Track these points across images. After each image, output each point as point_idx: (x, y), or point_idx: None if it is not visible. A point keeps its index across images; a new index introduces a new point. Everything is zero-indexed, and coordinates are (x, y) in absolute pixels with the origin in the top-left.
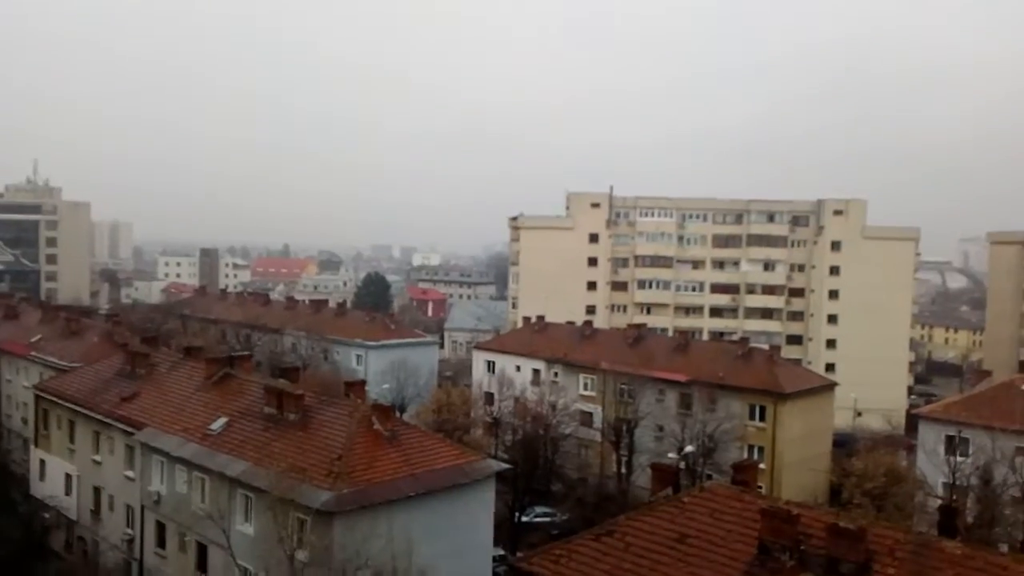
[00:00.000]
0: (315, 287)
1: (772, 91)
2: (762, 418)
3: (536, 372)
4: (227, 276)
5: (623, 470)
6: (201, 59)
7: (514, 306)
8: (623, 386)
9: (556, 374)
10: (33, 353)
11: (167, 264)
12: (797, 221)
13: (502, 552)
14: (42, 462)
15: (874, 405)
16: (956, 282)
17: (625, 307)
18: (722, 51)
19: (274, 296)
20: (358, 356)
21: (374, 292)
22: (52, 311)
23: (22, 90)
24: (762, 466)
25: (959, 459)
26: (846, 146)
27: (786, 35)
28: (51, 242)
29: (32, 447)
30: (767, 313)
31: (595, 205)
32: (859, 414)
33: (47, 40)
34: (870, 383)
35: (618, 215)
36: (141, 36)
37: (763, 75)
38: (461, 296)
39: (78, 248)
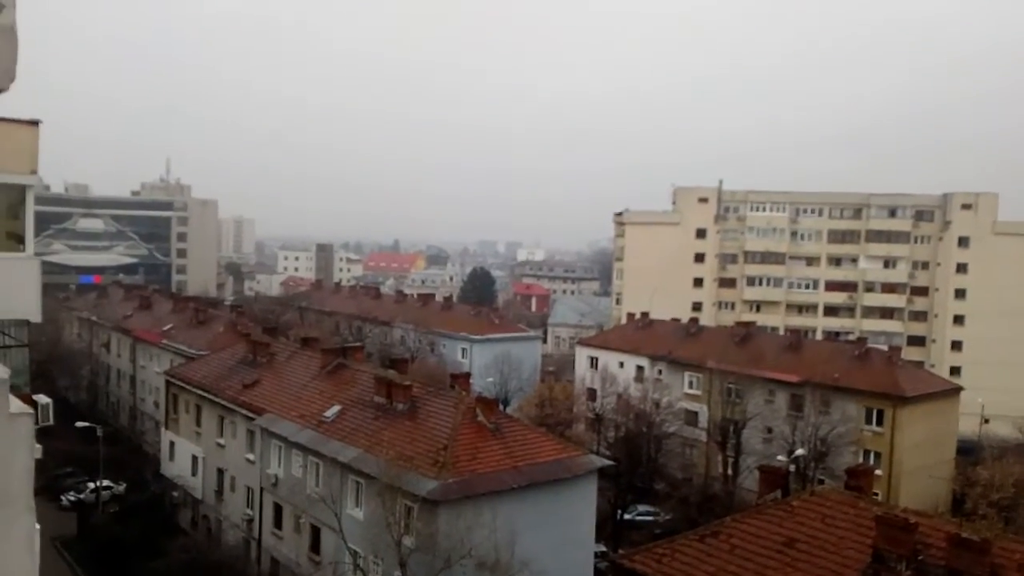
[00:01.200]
0: (423, 281)
1: (883, 72)
2: (879, 422)
3: (640, 369)
4: (341, 270)
5: (729, 471)
6: (323, 83)
7: (618, 302)
8: (730, 385)
9: (660, 371)
10: (165, 341)
11: (286, 258)
12: (921, 216)
13: (604, 548)
14: (172, 444)
15: (1003, 411)
16: None
17: (733, 304)
18: (834, 33)
19: (384, 290)
20: (463, 349)
21: (479, 287)
22: (182, 302)
23: (164, 105)
24: (878, 472)
25: None
26: (972, 129)
27: (898, 14)
28: (181, 237)
29: (163, 429)
30: (887, 312)
31: (703, 200)
32: (986, 420)
33: (192, 67)
34: (999, 388)
35: (727, 209)
36: (264, 64)
37: (876, 58)
38: (565, 292)
39: (206, 243)
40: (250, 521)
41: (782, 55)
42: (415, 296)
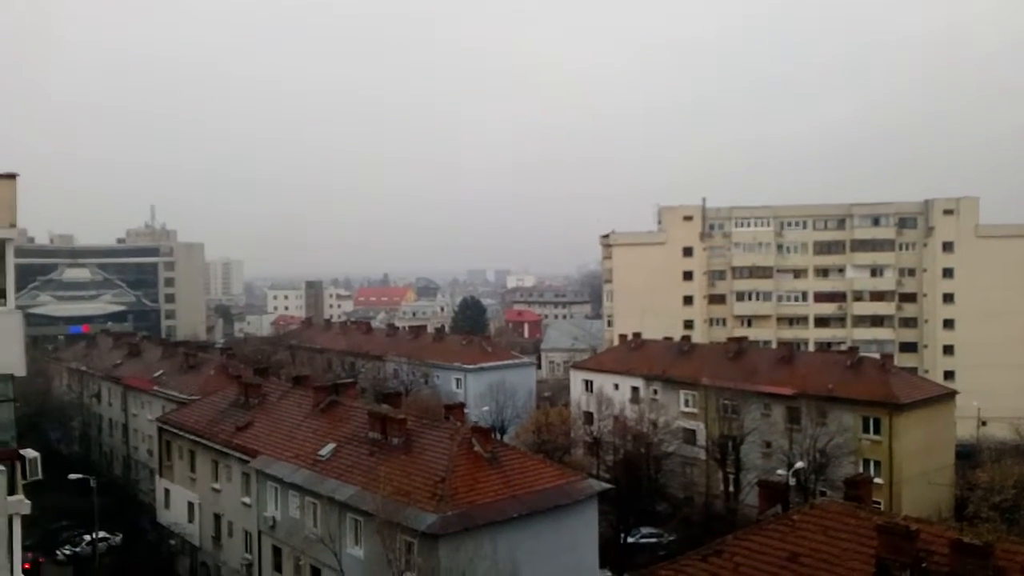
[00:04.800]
0: (414, 313)
1: (867, 89)
2: (877, 431)
3: (635, 390)
4: (331, 307)
5: (730, 488)
6: (296, 120)
7: (609, 324)
8: (726, 402)
9: (655, 391)
10: (156, 388)
11: (275, 297)
12: (904, 223)
13: (608, 573)
14: (167, 491)
15: (1000, 413)
16: None
17: (724, 320)
18: (811, 53)
19: (375, 324)
20: (457, 380)
21: (470, 316)
22: (171, 347)
23: (146, 153)
24: (879, 481)
25: None
26: (952, 141)
27: (877, 33)
28: (169, 282)
29: (157, 477)
30: (877, 320)
31: (688, 218)
32: (983, 423)
33: (167, 108)
34: (994, 390)
35: (712, 227)
36: (237, 104)
37: (854, 76)
38: (556, 316)
39: (194, 286)
40: (249, 566)
41: (766, 76)
42: (406, 329)
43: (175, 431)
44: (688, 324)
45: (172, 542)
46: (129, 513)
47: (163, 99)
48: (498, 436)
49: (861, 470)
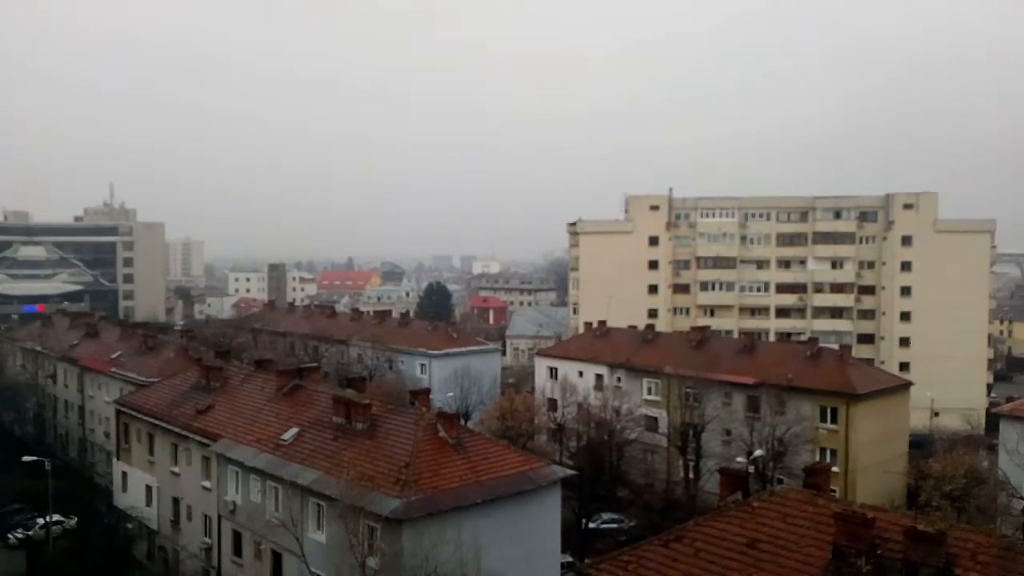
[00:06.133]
0: (379, 298)
1: (835, 90)
2: (834, 420)
3: (599, 377)
4: (295, 290)
5: (690, 475)
6: (256, 100)
7: (575, 312)
8: (688, 390)
9: (619, 379)
10: (113, 369)
11: (237, 280)
12: (865, 217)
13: (570, 559)
14: (124, 474)
15: (952, 404)
16: None
17: (688, 310)
18: (784, 52)
19: (340, 308)
20: (422, 365)
21: (436, 301)
22: (130, 328)
23: (107, 131)
24: (835, 469)
25: None
26: (915, 141)
27: (850, 32)
28: (128, 262)
29: (114, 460)
30: (836, 312)
31: (654, 208)
32: (936, 414)
33: (128, 86)
34: (947, 382)
35: (678, 217)
36: (202, 79)
37: (825, 74)
38: (522, 303)
39: (153, 267)
40: (208, 550)
41: (738, 78)
42: (371, 313)
43: (134, 413)
44: (652, 313)
45: (129, 526)
46: (85, 496)
47: (123, 74)
48: (463, 422)
49: (818, 458)
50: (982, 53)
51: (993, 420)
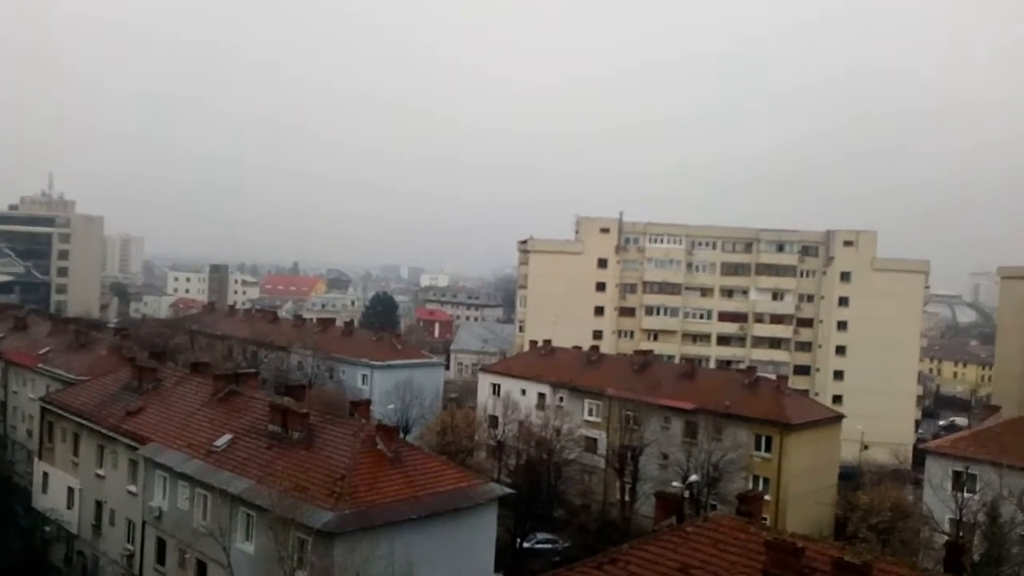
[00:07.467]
0: (323, 305)
1: (783, 128)
2: (768, 449)
3: (541, 396)
4: (236, 292)
5: (627, 498)
6: (212, 82)
7: (521, 329)
8: (628, 413)
9: (561, 399)
10: (41, 365)
11: (176, 279)
12: (807, 251)
13: None
14: (45, 475)
15: (881, 438)
16: (966, 316)
17: (632, 333)
18: (736, 88)
19: (282, 314)
20: (364, 376)
21: (381, 312)
22: (61, 324)
23: (40, 110)
24: (767, 497)
25: (966, 495)
26: (858, 182)
27: (799, 74)
28: (63, 255)
29: (36, 459)
30: (775, 343)
31: (604, 230)
32: (866, 447)
33: (70, 63)
34: (877, 416)
35: (627, 240)
36: (152, 57)
37: (774, 112)
38: (468, 318)
39: (89, 261)
40: (130, 557)
41: (689, 106)
42: (314, 321)
43: (60, 412)
44: (598, 334)
45: (47, 528)
46: (1, 496)
47: (79, 57)
48: (402, 435)
49: (752, 486)
50: (930, 101)
51: (920, 456)
